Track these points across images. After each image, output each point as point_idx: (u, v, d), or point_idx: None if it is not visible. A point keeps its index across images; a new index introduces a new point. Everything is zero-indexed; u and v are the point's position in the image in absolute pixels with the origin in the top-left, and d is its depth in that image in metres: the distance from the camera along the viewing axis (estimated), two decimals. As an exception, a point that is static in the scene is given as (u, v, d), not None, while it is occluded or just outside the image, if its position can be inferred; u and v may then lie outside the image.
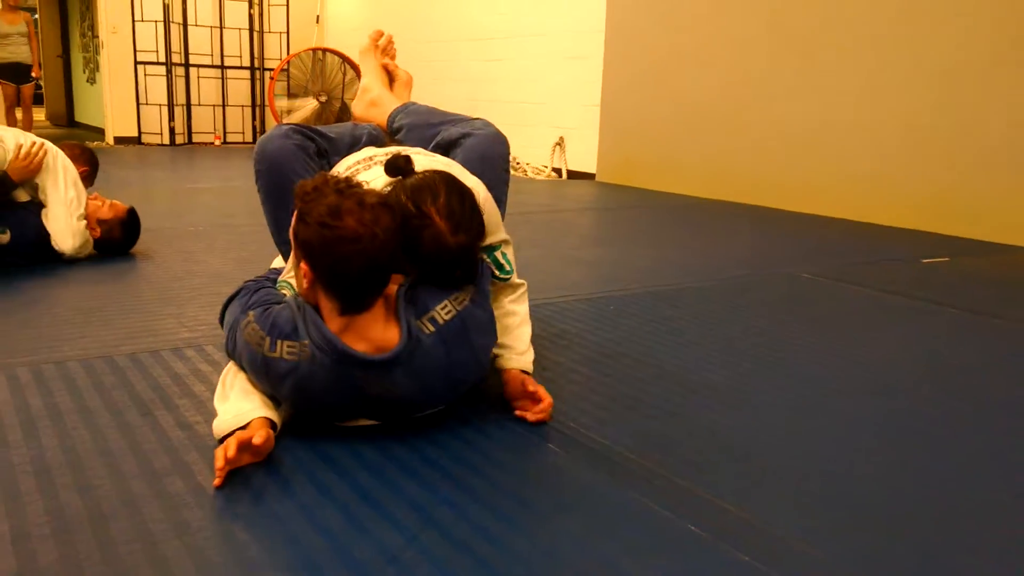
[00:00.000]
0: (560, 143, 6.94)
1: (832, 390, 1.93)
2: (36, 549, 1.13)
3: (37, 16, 13.51)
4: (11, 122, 7.89)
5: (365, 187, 1.45)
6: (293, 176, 1.80)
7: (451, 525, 1.23)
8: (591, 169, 6.71)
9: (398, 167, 1.60)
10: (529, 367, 1.75)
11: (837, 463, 1.53)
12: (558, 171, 6.95)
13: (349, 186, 1.40)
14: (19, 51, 8.03)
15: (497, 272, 1.78)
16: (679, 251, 3.72)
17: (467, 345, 1.54)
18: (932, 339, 2.41)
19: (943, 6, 4.29)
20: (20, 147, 2.83)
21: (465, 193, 1.59)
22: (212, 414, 1.58)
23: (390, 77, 2.36)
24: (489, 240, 1.73)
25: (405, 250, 1.50)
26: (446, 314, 1.50)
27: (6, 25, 7.94)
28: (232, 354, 1.58)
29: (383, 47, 2.37)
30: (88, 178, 3.16)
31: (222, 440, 1.43)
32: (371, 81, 2.32)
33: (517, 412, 1.66)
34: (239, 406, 1.48)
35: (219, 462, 1.32)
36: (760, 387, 1.93)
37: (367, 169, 1.77)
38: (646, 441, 1.57)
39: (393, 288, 1.49)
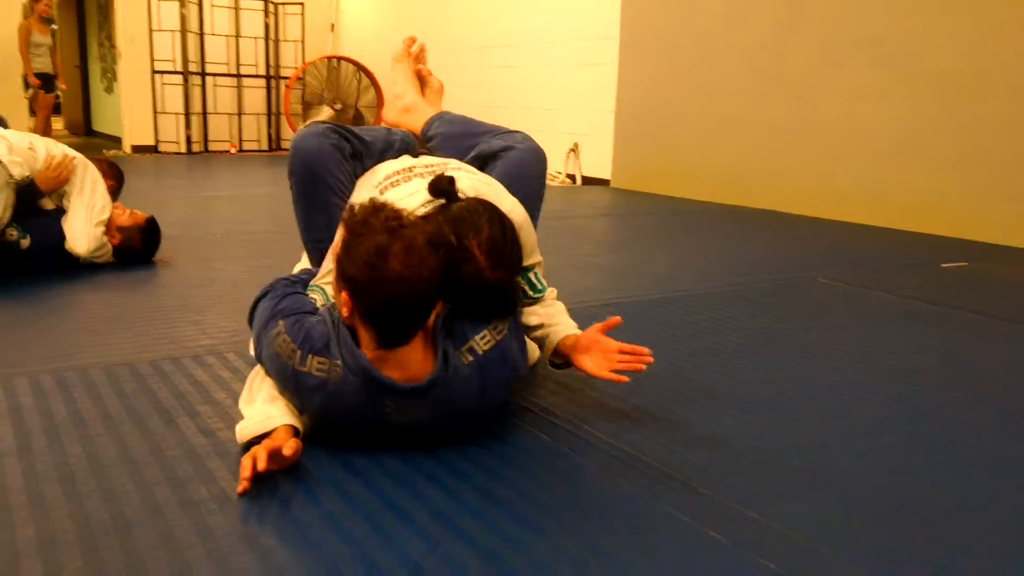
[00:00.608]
0: (574, 149, 6.95)
1: (854, 396, 1.91)
2: (62, 556, 1.14)
3: (55, 26, 13.65)
4: (48, 131, 8.00)
5: (412, 218, 1.41)
6: (328, 177, 1.81)
7: (475, 533, 1.23)
8: (606, 175, 6.71)
9: (442, 190, 1.60)
10: None
11: (860, 469, 1.52)
12: (572, 177, 6.96)
13: (400, 225, 1.37)
14: (48, 62, 8.18)
15: (529, 292, 1.78)
16: (694, 257, 3.71)
17: (503, 375, 1.54)
18: (954, 344, 2.39)
19: (954, 4, 4.27)
20: (52, 158, 2.87)
21: (507, 225, 1.57)
22: (234, 421, 1.59)
23: (421, 84, 2.36)
24: (524, 263, 1.72)
25: (443, 282, 1.49)
26: (485, 344, 1.50)
27: (39, 35, 8.08)
28: (259, 359, 1.59)
29: (416, 54, 2.35)
30: (114, 192, 3.21)
31: (248, 446, 1.44)
32: (404, 87, 2.28)
33: (620, 367, 1.63)
34: (266, 410, 1.48)
35: (246, 471, 1.33)
36: (781, 393, 1.92)
37: (407, 181, 1.76)
38: (667, 448, 1.57)
39: (431, 317, 1.48)
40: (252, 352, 1.66)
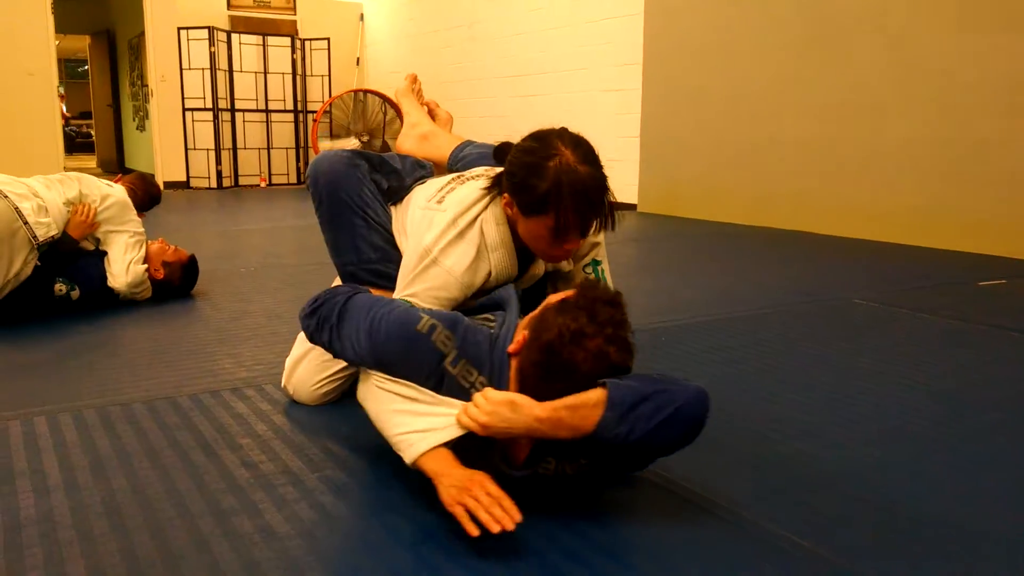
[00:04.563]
0: (600, 175, 6.94)
1: (900, 419, 1.88)
2: (112, 590, 1.15)
3: (88, 67, 13.99)
4: None
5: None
6: (344, 195, 1.84)
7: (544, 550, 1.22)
8: (632, 200, 6.71)
9: (503, 150, 1.64)
10: None
11: (910, 495, 1.48)
12: (599, 203, 6.95)
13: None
14: None
15: None
16: (727, 280, 3.68)
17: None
18: (996, 364, 2.35)
19: (992, 24, 4.23)
20: (84, 206, 2.92)
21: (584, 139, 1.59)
22: (275, 453, 1.60)
23: (431, 116, 2.39)
24: (595, 254, 1.81)
25: (524, 186, 1.53)
26: None
27: None
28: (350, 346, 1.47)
29: (417, 90, 2.41)
30: (143, 207, 3.25)
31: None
32: (419, 117, 2.32)
33: None
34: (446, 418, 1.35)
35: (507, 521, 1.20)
36: (826, 417, 1.89)
37: (462, 184, 1.77)
38: (713, 475, 1.55)
39: None
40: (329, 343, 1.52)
